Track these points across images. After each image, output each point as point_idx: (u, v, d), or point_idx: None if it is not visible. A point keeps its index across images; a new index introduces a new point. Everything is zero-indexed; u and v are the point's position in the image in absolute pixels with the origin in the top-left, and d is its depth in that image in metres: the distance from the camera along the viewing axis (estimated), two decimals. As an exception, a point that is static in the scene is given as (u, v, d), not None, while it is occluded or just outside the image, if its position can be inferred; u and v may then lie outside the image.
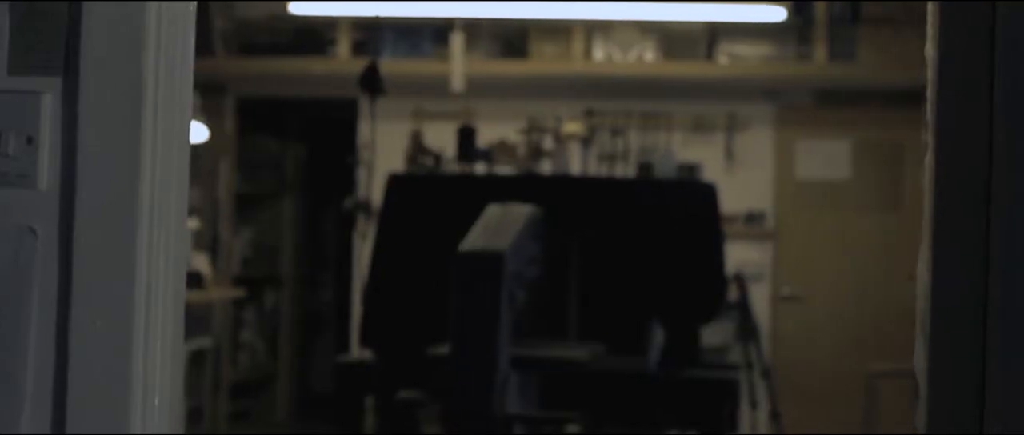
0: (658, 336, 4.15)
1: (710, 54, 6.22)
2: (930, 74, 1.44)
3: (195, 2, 1.49)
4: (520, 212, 3.60)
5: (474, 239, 3.43)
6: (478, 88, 6.18)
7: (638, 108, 6.33)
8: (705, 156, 6.23)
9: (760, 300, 6.29)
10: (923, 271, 1.45)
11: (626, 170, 5.20)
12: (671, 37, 6.23)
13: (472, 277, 3.32)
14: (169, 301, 1.36)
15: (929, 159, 1.43)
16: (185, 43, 1.44)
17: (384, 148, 5.52)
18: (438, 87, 5.81)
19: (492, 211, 3.58)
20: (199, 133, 5.87)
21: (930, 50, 1.44)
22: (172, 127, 1.35)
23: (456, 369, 3.37)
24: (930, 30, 1.45)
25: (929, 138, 1.45)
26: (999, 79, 1.36)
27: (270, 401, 7.00)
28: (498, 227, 3.49)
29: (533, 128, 5.77)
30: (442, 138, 5.59)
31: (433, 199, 4.41)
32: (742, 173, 6.36)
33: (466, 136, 4.49)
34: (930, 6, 1.45)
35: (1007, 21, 1.32)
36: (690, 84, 6.32)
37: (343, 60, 6.20)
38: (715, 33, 6.20)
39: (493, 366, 3.29)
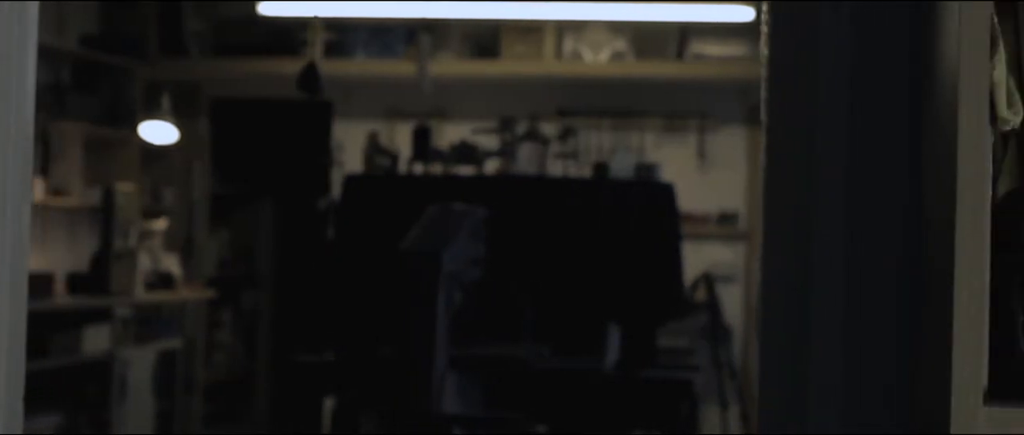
0: (614, 337, 4.14)
1: (681, 54, 6.22)
2: (764, 74, 1.43)
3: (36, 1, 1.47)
4: (462, 213, 3.59)
5: (412, 240, 3.42)
6: (451, 88, 6.18)
7: (611, 108, 6.33)
8: (677, 156, 6.22)
9: (733, 301, 6.28)
10: (757, 270, 1.44)
11: (587, 171, 5.18)
12: (642, 37, 6.22)
13: (407, 277, 3.31)
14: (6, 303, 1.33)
15: (762, 158, 1.43)
16: (21, 42, 1.41)
17: (356, 149, 5.52)
18: (411, 87, 5.81)
19: (432, 212, 3.57)
20: (168, 134, 5.88)
21: (763, 50, 1.44)
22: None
23: (393, 369, 3.37)
24: (764, 30, 1.44)
25: (763, 137, 1.44)
26: (823, 80, 1.35)
27: (248, 402, 7.00)
28: (437, 228, 3.49)
29: (504, 128, 5.75)
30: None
31: (388, 200, 4.40)
32: (715, 173, 6.35)
33: (421, 137, 4.48)
34: (764, 7, 1.45)
35: (830, 23, 1.31)
36: (662, 84, 6.31)
37: (316, 61, 6.19)
38: (686, 33, 6.19)
39: (429, 366, 3.28)
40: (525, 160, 4.78)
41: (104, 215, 5.55)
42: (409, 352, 3.28)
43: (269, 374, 7.05)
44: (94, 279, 5.51)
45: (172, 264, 6.07)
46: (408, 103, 6.38)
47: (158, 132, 5.91)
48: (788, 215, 1.37)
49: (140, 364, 5.71)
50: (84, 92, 5.91)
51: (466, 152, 4.62)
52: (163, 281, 5.96)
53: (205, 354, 6.47)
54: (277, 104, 6.73)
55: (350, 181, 4.52)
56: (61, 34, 5.78)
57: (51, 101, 5.59)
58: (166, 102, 5.87)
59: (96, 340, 5.42)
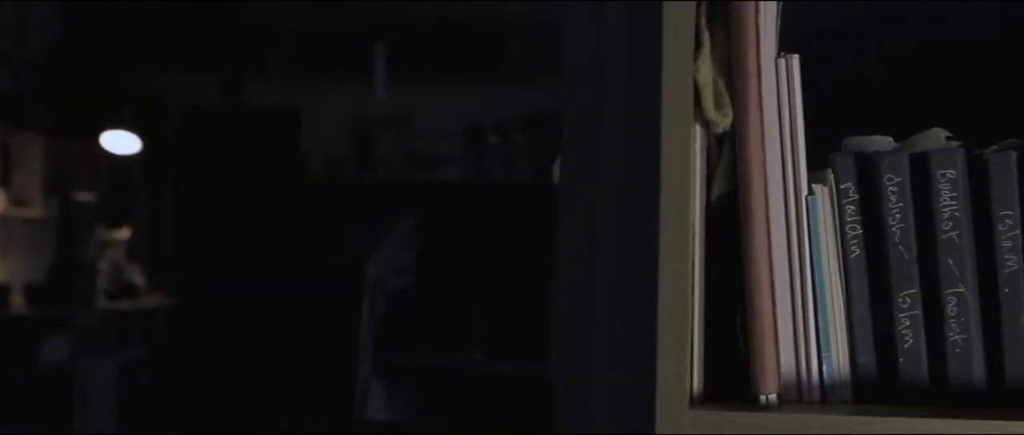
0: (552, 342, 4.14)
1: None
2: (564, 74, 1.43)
3: None
4: (393, 220, 3.59)
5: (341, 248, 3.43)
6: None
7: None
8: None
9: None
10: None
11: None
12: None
13: (331, 284, 3.32)
14: None
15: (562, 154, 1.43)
16: None
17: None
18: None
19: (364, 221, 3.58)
20: (130, 144, 5.88)
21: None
22: None
23: (318, 375, 3.37)
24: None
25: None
26: (608, 78, 1.35)
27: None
28: (365, 236, 3.49)
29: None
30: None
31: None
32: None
33: (364, 141, 4.48)
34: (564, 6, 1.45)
35: (612, 21, 1.31)
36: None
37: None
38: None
39: (351, 372, 3.29)
40: (474, 165, 4.78)
41: (61, 225, 5.57)
42: (331, 358, 3.29)
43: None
44: (52, 289, 5.52)
45: (135, 274, 6.08)
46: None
47: (120, 142, 5.92)
48: (580, 217, 1.37)
49: (101, 375, 5.71)
50: (45, 101, 5.93)
51: (416, 158, 4.63)
52: (125, 291, 5.96)
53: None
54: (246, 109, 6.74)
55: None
56: (22, 43, 5.80)
57: (11, 111, 5.60)
58: (127, 111, 5.88)
59: (55, 351, 5.42)
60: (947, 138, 1.05)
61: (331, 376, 3.29)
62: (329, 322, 3.63)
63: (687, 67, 0.98)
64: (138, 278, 6.08)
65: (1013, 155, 1.01)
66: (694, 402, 1.01)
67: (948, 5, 1.31)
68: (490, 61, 5.52)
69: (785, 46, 1.25)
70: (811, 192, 1.03)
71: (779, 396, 1.02)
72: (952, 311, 1.02)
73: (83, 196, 5.83)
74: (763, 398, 1.01)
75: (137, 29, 6.20)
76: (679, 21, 0.98)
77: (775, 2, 1.03)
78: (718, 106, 1.00)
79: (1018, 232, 1.01)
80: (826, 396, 1.03)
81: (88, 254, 5.71)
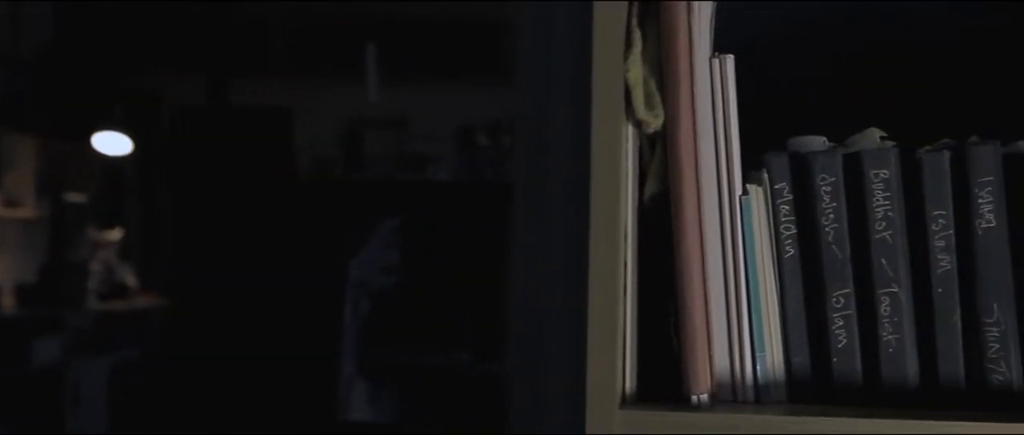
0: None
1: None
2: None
3: None
4: (376, 221, 3.59)
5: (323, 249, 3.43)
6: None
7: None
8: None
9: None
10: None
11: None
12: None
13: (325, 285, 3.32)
14: None
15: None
16: None
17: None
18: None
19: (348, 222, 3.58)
20: (122, 144, 5.88)
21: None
22: None
23: (302, 374, 3.38)
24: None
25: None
26: (557, 78, 1.35)
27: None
28: (348, 237, 3.49)
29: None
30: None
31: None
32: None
33: (354, 142, 4.49)
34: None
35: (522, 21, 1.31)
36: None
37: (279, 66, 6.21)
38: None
39: (334, 372, 3.29)
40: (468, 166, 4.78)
41: (53, 226, 5.57)
42: (314, 358, 3.29)
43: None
44: (43, 290, 5.52)
45: (127, 274, 6.08)
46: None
47: (112, 143, 5.92)
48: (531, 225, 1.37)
49: (93, 375, 5.71)
50: (38, 102, 5.93)
51: (409, 159, 4.63)
52: (117, 291, 5.97)
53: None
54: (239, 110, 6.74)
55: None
56: (16, 43, 5.81)
57: (4, 112, 5.61)
58: (120, 112, 5.88)
59: (46, 351, 5.43)
60: (882, 138, 1.05)
61: (328, 377, 3.29)
62: (326, 323, 3.63)
63: (617, 67, 0.98)
64: (130, 279, 6.08)
65: (946, 155, 1.01)
66: (626, 402, 1.01)
67: (897, 5, 1.31)
68: (485, 62, 5.53)
69: (732, 46, 1.25)
70: (745, 192, 1.03)
71: (712, 396, 1.02)
72: (885, 311, 1.01)
73: (75, 197, 5.83)
74: (695, 398, 1.00)
75: (130, 30, 6.21)
76: (609, 21, 0.98)
77: (710, 2, 1.03)
78: (649, 106, 1.00)
79: (951, 232, 1.01)
80: (760, 396, 1.03)
81: (80, 255, 5.72)
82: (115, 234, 6.06)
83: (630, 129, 1.01)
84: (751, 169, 1.05)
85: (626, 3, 0.99)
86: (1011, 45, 1.26)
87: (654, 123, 1.00)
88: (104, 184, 6.22)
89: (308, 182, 5.52)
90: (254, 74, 6.28)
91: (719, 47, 1.17)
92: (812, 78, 1.31)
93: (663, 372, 1.03)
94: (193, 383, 5.37)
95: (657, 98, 1.00)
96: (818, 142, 1.04)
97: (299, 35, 6.17)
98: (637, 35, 1.00)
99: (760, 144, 1.07)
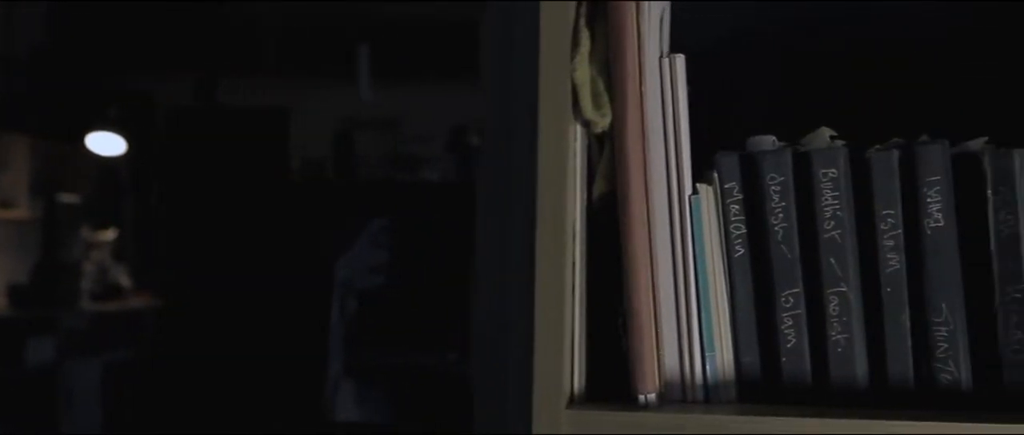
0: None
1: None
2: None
3: None
4: (364, 221, 3.59)
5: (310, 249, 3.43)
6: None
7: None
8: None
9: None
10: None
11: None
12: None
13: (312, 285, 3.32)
14: None
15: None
16: None
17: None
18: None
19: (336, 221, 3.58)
20: (115, 145, 5.88)
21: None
22: None
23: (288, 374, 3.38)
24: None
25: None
26: (519, 77, 1.35)
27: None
28: (335, 237, 3.50)
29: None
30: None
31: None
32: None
33: (346, 143, 4.49)
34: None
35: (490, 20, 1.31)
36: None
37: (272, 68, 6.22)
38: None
39: (322, 371, 3.29)
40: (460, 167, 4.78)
41: (46, 226, 5.58)
42: (300, 357, 3.29)
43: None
44: (37, 291, 5.52)
45: (121, 275, 6.08)
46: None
47: (106, 143, 5.92)
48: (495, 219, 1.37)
49: (86, 376, 5.71)
50: (32, 103, 5.93)
51: (396, 159, 4.63)
52: (111, 292, 5.97)
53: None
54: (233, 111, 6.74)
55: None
56: (9, 44, 5.81)
57: (-2, 113, 5.62)
58: (114, 112, 5.88)
59: (40, 352, 5.43)
60: (832, 138, 1.04)
61: (324, 377, 3.29)
62: (320, 324, 3.63)
63: (564, 66, 0.98)
64: (124, 279, 6.09)
65: (895, 154, 1.01)
66: (575, 402, 1.00)
67: (859, 5, 1.31)
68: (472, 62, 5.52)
69: (695, 47, 1.26)
70: (695, 192, 1.02)
71: (661, 396, 1.02)
72: (834, 310, 1.01)
73: (68, 198, 5.84)
74: (642, 398, 1.00)
75: (123, 31, 6.21)
76: (555, 21, 0.98)
77: (660, 3, 1.03)
78: (597, 106, 1.00)
79: (900, 231, 1.01)
80: (710, 396, 1.03)
81: (73, 255, 5.72)
82: (109, 234, 6.06)
83: (578, 129, 1.01)
84: (708, 169, 1.05)
85: (573, 3, 0.99)
86: (964, 46, 1.26)
87: (601, 123, 1.00)
88: (98, 184, 6.22)
89: (302, 183, 5.53)
90: (247, 74, 6.28)
91: (682, 48, 1.17)
92: (776, 79, 1.31)
93: (615, 372, 1.03)
94: (188, 383, 5.37)
95: (605, 98, 1.00)
96: (768, 142, 1.04)
97: (292, 35, 6.17)
98: (585, 35, 1.00)
99: (723, 145, 1.07)
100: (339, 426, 3.42)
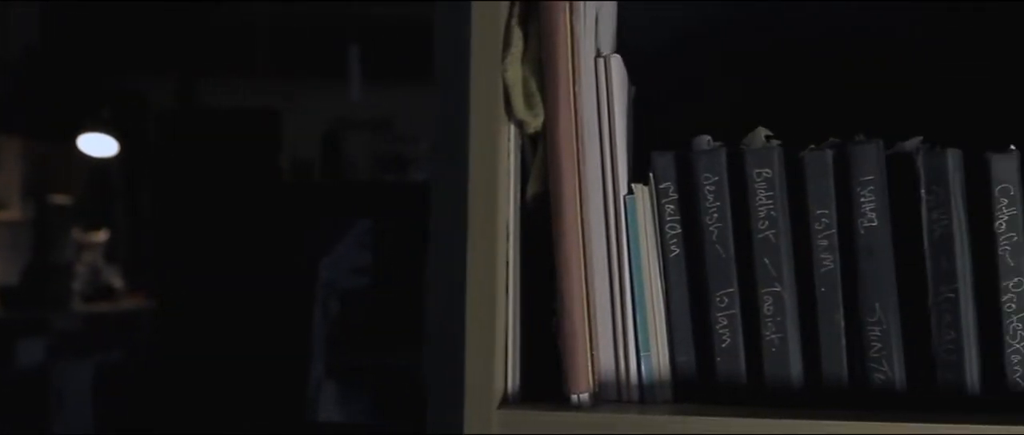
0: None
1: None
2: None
3: None
4: (348, 221, 3.59)
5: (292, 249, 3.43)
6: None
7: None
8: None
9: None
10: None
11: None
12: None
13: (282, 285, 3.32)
14: None
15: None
16: None
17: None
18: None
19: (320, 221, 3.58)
20: (107, 146, 5.89)
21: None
22: None
23: (269, 375, 3.38)
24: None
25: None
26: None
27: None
28: (317, 237, 3.50)
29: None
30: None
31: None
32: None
33: (331, 143, 4.50)
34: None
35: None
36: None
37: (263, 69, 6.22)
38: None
39: (303, 373, 3.29)
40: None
41: (37, 228, 5.58)
42: (281, 359, 3.29)
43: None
44: (27, 292, 5.53)
45: (113, 276, 6.08)
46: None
47: (98, 144, 5.93)
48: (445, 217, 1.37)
49: (78, 377, 5.71)
50: (23, 104, 5.94)
51: (385, 159, 4.63)
52: (102, 293, 5.97)
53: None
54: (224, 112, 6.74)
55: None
56: (1, 45, 5.82)
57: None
58: (106, 113, 5.88)
59: (31, 353, 5.43)
60: (767, 138, 1.04)
61: (319, 377, 3.29)
62: (315, 325, 3.63)
63: (495, 66, 0.98)
64: (116, 280, 6.09)
65: (829, 154, 1.01)
66: (509, 402, 1.00)
67: (808, 5, 1.31)
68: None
69: (647, 48, 1.25)
70: (631, 192, 1.02)
71: (595, 396, 1.02)
72: (768, 310, 1.01)
73: (60, 199, 5.84)
74: (575, 398, 1.00)
75: (115, 32, 6.22)
76: (487, 20, 0.98)
77: (595, 2, 1.03)
78: (529, 106, 1.00)
79: (834, 231, 1.01)
80: (645, 396, 1.03)
81: (64, 257, 5.72)
82: (101, 236, 6.06)
83: (512, 129, 1.01)
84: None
85: (506, 3, 0.99)
86: (904, 46, 1.26)
87: (533, 123, 1.00)
88: (90, 186, 6.23)
89: (296, 183, 5.53)
90: (239, 75, 6.28)
91: (630, 49, 1.17)
92: (728, 79, 1.31)
93: (554, 374, 1.03)
94: (181, 384, 5.37)
95: (537, 98, 1.00)
96: (704, 142, 1.04)
97: (283, 36, 6.17)
98: (517, 35, 1.00)
99: (661, 145, 1.07)
100: (330, 427, 3.41)
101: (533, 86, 1.00)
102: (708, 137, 1.04)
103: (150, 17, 6.36)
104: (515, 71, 0.98)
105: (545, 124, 1.00)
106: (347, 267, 3.46)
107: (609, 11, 1.12)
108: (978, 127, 1.14)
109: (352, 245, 3.50)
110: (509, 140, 1.00)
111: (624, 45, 1.24)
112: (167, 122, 6.18)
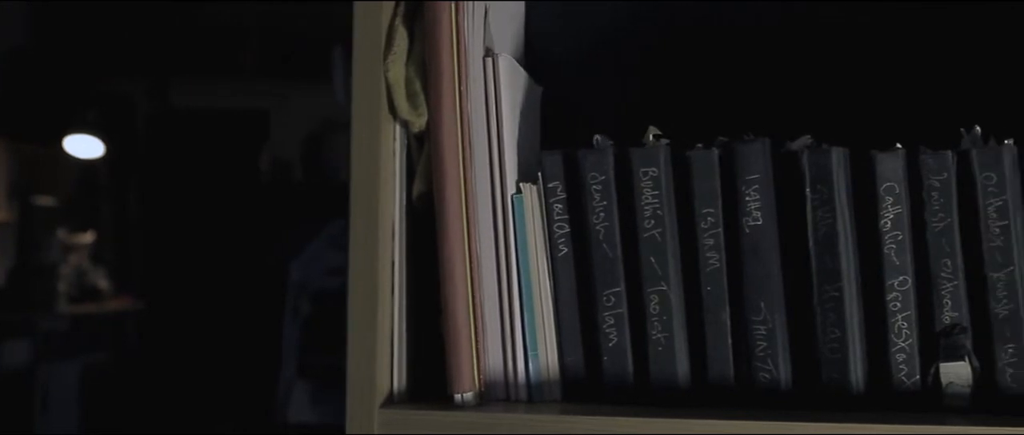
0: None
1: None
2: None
3: None
4: (322, 221, 3.59)
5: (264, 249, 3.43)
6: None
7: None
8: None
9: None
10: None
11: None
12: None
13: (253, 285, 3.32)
14: None
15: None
16: None
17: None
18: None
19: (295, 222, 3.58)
20: (94, 148, 5.90)
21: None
22: None
23: (240, 376, 3.38)
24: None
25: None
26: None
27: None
28: (290, 238, 3.49)
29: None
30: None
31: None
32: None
33: (314, 146, 4.49)
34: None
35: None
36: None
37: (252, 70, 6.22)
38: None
39: (273, 373, 3.29)
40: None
41: (22, 229, 5.59)
42: (252, 359, 3.29)
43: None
44: (13, 294, 5.54)
45: (99, 278, 6.09)
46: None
47: (84, 146, 5.93)
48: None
49: (64, 379, 5.72)
50: (9, 105, 5.94)
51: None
52: (89, 294, 5.98)
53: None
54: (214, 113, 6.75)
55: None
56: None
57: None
58: (92, 116, 5.89)
59: (16, 355, 5.44)
60: (656, 137, 1.04)
61: (249, 375, 3.29)
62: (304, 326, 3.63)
63: (377, 66, 0.98)
64: (102, 282, 6.09)
65: (715, 153, 1.01)
66: (394, 401, 1.00)
67: (738, 4, 1.31)
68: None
69: (558, 50, 1.25)
70: (518, 191, 1.02)
71: (481, 395, 1.01)
72: (654, 309, 1.01)
73: (46, 200, 5.85)
74: (458, 397, 1.00)
75: (101, 34, 6.22)
76: (368, 20, 0.98)
77: (482, 1, 1.03)
78: (413, 105, 1.00)
79: (720, 230, 1.01)
80: (534, 396, 1.03)
81: (50, 258, 5.73)
82: (87, 237, 6.07)
83: (397, 129, 1.01)
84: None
85: (389, 3, 0.99)
86: (807, 45, 1.26)
87: (418, 122, 1.00)
88: (76, 187, 6.23)
89: (283, 184, 5.53)
90: (228, 77, 6.29)
91: (541, 51, 1.17)
92: (639, 80, 1.31)
93: (442, 373, 1.03)
94: (173, 385, 5.38)
95: (421, 98, 1.00)
96: (596, 141, 1.04)
97: (270, 38, 6.18)
98: (401, 34, 1.00)
99: (552, 145, 1.07)
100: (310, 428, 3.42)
101: (417, 86, 1.00)
102: (599, 136, 1.04)
103: (136, 19, 6.37)
104: (397, 70, 0.98)
105: (429, 123, 1.00)
106: (319, 267, 3.46)
107: (508, 11, 1.12)
108: (869, 126, 1.14)
109: (323, 245, 3.50)
110: (394, 140, 1.00)
111: (534, 47, 1.24)
112: (153, 124, 6.19)
